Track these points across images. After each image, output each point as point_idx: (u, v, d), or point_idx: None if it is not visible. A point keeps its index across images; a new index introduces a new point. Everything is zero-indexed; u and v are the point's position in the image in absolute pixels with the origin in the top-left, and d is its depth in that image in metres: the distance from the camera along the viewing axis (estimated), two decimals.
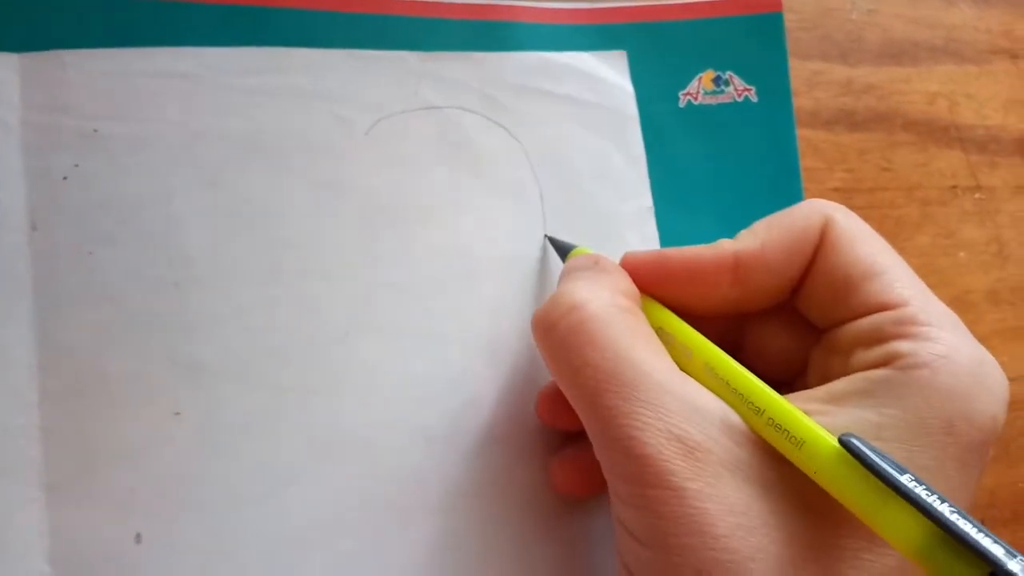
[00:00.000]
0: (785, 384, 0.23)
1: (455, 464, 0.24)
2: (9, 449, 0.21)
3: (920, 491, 0.16)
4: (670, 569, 0.18)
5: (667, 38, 0.30)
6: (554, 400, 0.24)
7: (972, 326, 0.20)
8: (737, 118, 0.30)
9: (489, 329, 0.26)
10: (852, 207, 0.22)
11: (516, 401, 0.25)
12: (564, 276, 0.23)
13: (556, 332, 0.20)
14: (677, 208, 0.29)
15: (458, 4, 0.28)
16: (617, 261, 0.23)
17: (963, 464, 0.18)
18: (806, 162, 0.31)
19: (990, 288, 0.33)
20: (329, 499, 0.23)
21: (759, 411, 0.19)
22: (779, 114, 0.31)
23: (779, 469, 0.19)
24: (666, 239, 0.29)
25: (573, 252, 0.25)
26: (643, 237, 0.28)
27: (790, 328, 0.23)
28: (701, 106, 0.30)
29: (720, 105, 0.30)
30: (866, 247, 0.21)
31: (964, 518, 0.15)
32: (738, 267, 0.21)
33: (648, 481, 0.18)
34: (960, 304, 0.32)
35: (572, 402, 0.20)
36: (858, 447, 0.17)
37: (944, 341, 0.19)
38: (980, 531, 0.15)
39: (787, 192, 0.30)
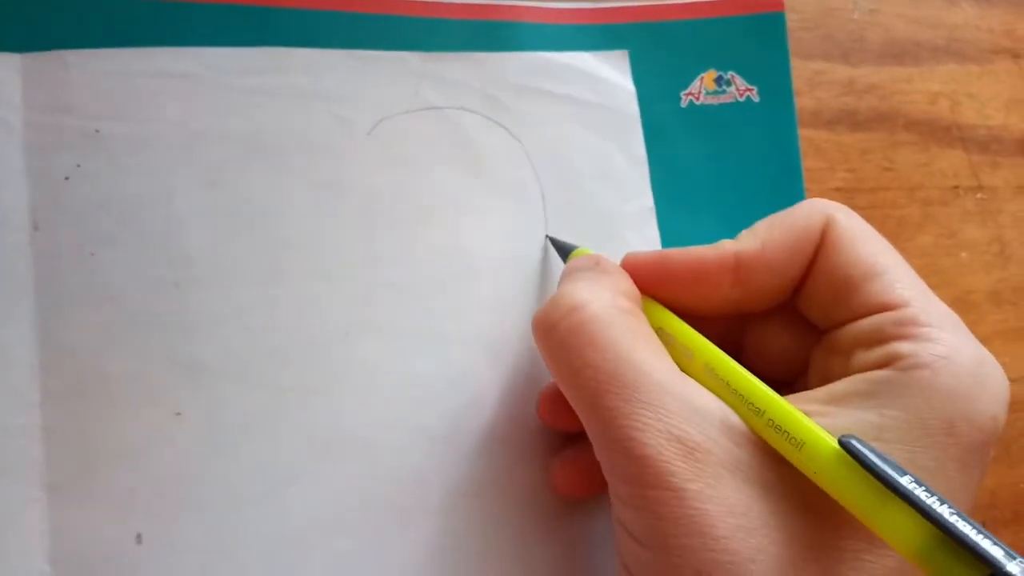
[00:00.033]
0: (786, 384, 0.23)
1: (455, 464, 0.24)
2: (10, 449, 0.21)
3: (920, 493, 0.16)
4: (670, 570, 0.18)
5: (669, 38, 0.30)
6: (555, 401, 0.24)
7: (974, 327, 0.20)
8: (739, 118, 0.30)
9: (490, 329, 0.26)
10: (854, 207, 0.22)
11: (517, 402, 0.25)
12: (565, 277, 0.23)
13: (556, 333, 0.20)
14: (678, 208, 0.29)
15: (459, 4, 0.28)
16: (618, 262, 0.23)
17: (964, 465, 0.18)
18: (808, 162, 0.31)
19: (992, 288, 0.33)
20: (329, 499, 0.23)
21: (759, 412, 0.19)
22: (781, 114, 0.30)
23: (779, 470, 0.19)
24: (667, 239, 0.29)
25: (574, 253, 0.25)
26: (644, 237, 0.28)
27: (791, 328, 0.23)
28: (703, 106, 0.30)
29: (722, 105, 0.30)
30: (867, 247, 0.21)
31: (964, 520, 0.15)
32: (739, 267, 0.21)
33: (648, 482, 0.18)
34: (962, 304, 0.32)
35: (572, 403, 0.20)
36: (858, 448, 0.17)
37: (945, 342, 0.19)
38: (980, 533, 0.15)
39: (789, 192, 0.30)
